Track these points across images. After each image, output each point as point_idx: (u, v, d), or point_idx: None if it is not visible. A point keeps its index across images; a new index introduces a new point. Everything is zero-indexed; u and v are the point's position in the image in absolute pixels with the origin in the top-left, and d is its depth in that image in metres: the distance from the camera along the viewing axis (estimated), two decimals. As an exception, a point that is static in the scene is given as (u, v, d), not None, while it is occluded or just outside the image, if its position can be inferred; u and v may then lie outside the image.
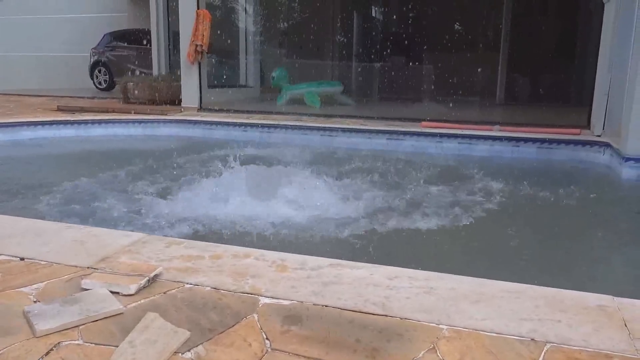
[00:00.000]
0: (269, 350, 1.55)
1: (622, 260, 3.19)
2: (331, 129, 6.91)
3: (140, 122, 7.61)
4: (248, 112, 8.23)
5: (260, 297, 1.87)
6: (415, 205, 3.85)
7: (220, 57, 10.58)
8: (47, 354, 1.51)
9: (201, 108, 8.51)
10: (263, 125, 7.19)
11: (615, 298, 1.88)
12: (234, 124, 7.35)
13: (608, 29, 5.98)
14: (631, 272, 2.94)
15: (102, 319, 1.70)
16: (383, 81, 12.27)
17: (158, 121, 7.67)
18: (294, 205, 3.64)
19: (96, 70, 13.72)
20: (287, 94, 9.63)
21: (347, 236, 3.18)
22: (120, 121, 7.56)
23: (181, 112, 8.28)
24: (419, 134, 6.50)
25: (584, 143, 5.84)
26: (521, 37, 11.12)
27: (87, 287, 1.90)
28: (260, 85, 11.37)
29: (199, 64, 8.50)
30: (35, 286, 1.93)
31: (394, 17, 13.92)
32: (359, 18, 13.62)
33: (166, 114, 7.90)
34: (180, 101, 8.61)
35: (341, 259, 2.22)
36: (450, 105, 8.09)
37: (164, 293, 1.89)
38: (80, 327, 1.65)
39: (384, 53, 12.27)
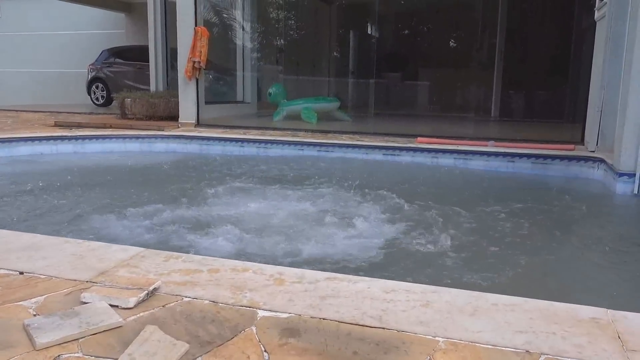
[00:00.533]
0: (268, 362, 1.56)
1: (616, 273, 3.21)
2: (327, 145, 6.96)
3: (137, 137, 7.64)
4: (245, 127, 8.29)
5: (258, 310, 1.88)
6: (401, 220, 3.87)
7: (218, 73, 10.66)
8: (47, 366, 1.52)
9: (198, 124, 8.56)
10: (260, 141, 7.24)
11: (609, 310, 1.91)
12: (231, 140, 7.39)
13: (600, 46, 6.07)
14: (626, 285, 2.97)
15: (101, 331, 1.71)
16: (379, 97, 12.37)
17: (155, 137, 7.69)
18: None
19: (93, 86, 13.79)
20: (284, 110, 9.70)
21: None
22: (117, 137, 7.58)
23: (178, 127, 8.32)
24: (415, 150, 6.56)
25: (578, 159, 5.90)
26: (516, 54, 11.27)
27: (87, 301, 1.91)
28: (257, 101, 11.44)
29: (197, 80, 8.56)
30: (34, 300, 1.94)
31: (391, 34, 14.10)
32: (355, 35, 13.76)
33: (163, 130, 7.94)
34: (177, 117, 8.66)
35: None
36: (446, 121, 8.18)
37: (163, 306, 1.91)
38: (80, 340, 1.66)
39: (381, 70, 12.38)
